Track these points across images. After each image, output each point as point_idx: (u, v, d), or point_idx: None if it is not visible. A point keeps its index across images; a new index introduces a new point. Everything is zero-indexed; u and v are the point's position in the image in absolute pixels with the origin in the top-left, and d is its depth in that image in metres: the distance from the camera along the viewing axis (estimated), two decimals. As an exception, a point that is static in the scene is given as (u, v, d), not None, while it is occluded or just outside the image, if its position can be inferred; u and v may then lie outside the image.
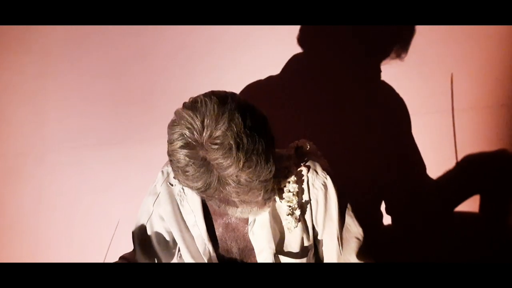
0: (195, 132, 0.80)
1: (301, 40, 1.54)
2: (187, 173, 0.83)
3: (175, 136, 0.82)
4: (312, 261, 1.11)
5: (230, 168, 0.79)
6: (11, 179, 1.86)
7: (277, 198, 1.04)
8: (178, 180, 0.87)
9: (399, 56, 1.47)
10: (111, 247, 1.18)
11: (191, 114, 0.81)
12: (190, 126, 0.80)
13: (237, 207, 0.90)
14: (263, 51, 1.56)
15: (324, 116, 1.53)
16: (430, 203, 1.43)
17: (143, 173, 1.64)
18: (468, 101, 1.40)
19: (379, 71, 1.48)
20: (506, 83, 1.36)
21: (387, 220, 1.47)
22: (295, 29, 1.52)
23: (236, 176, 0.80)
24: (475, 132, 1.40)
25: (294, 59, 1.56)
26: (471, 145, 1.39)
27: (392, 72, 1.47)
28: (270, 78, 1.57)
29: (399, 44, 1.45)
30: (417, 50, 1.45)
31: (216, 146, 0.79)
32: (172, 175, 1.10)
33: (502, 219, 1.36)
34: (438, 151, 1.41)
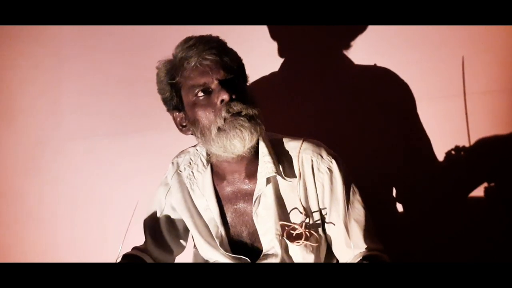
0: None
1: (305, 38, 1.54)
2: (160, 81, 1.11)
3: None
4: (320, 243, 1.11)
5: (177, 49, 1.06)
6: (30, 169, 1.91)
7: (279, 179, 1.07)
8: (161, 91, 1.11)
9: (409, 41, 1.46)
10: (127, 235, 1.22)
11: None
12: None
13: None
14: (267, 51, 1.56)
15: (332, 102, 1.53)
16: (442, 188, 1.43)
17: (159, 161, 1.67)
18: (479, 85, 1.38)
19: (389, 56, 1.47)
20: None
21: (398, 207, 1.48)
22: (304, 29, 1.51)
23: (187, 58, 1.03)
24: (487, 116, 1.38)
25: (299, 58, 1.56)
26: (483, 129, 1.38)
27: (402, 56, 1.46)
28: (274, 78, 1.57)
29: (410, 30, 1.44)
30: (428, 34, 1.43)
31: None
32: (181, 165, 1.14)
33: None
34: (450, 136, 1.41)
